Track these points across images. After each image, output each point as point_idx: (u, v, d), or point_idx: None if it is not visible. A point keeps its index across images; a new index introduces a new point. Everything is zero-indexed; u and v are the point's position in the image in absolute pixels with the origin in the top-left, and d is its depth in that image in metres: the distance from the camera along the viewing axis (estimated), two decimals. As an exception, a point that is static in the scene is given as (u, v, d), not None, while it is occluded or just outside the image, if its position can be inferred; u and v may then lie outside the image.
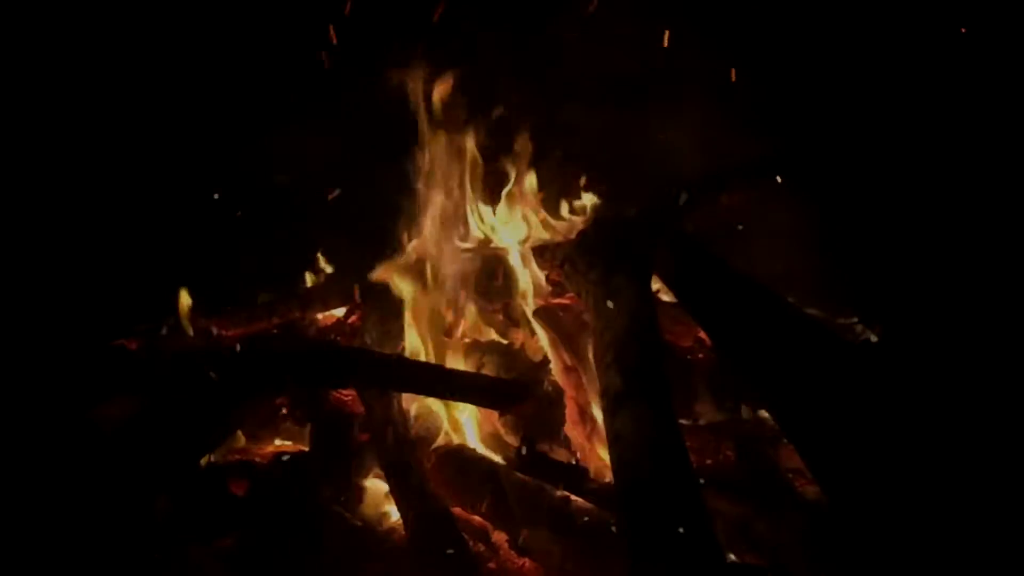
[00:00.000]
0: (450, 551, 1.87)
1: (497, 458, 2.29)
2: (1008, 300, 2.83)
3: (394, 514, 2.14)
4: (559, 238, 3.00)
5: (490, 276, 2.77)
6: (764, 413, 2.38)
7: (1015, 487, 1.33)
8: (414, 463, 2.18)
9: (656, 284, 2.52)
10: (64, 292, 3.24)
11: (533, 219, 3.10)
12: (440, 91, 2.84)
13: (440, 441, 2.34)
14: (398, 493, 2.10)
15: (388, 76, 2.86)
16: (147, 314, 2.93)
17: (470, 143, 2.93)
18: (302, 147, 3.84)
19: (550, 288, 2.79)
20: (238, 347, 2.83)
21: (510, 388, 2.31)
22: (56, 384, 2.45)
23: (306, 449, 2.44)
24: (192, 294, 2.90)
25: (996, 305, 2.85)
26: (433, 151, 2.88)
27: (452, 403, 2.39)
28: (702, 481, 1.62)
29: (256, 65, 3.86)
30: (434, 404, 2.44)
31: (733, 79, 3.34)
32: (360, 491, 2.26)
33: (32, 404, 2.42)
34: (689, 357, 2.62)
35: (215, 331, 2.93)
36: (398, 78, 2.84)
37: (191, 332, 2.89)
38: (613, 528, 1.83)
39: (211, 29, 3.76)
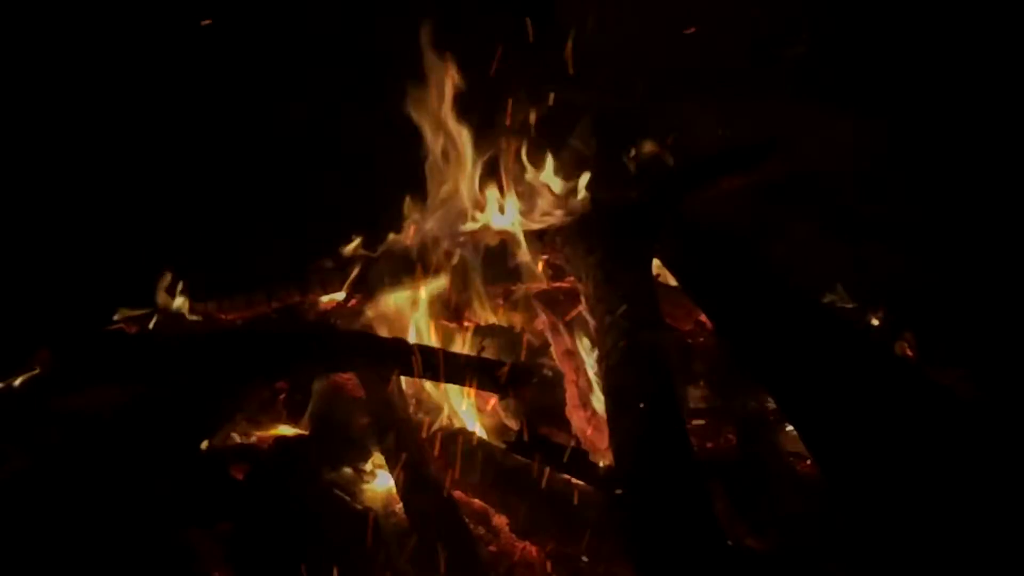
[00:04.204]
0: (451, 535, 1.87)
1: (497, 441, 2.29)
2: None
3: (394, 498, 2.14)
4: (560, 221, 2.98)
5: (491, 259, 2.76)
6: (765, 397, 2.38)
7: (1016, 476, 1.32)
8: (414, 447, 2.18)
9: (657, 267, 2.51)
10: (61, 276, 3.23)
11: (534, 202, 3.08)
12: (443, 74, 2.82)
13: (440, 424, 2.33)
14: (398, 477, 2.10)
15: (391, 57, 2.84)
16: (145, 298, 2.92)
17: (473, 126, 2.91)
18: (301, 128, 3.82)
19: (551, 271, 2.78)
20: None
21: (510, 371, 2.30)
22: (55, 370, 2.44)
23: (306, 433, 2.44)
24: (191, 277, 2.90)
25: (1001, 298, 2.84)
26: (436, 133, 2.86)
27: (452, 386, 2.39)
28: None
29: (254, 48, 3.83)
30: (434, 387, 2.44)
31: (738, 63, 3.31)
32: (360, 475, 2.26)
33: (31, 391, 2.41)
34: (690, 341, 2.62)
35: (214, 314, 2.93)
36: (402, 59, 2.82)
37: (190, 316, 2.89)
38: (613, 511, 1.83)
39: (210, 10, 3.73)
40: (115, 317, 2.85)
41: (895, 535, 1.35)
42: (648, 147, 3.23)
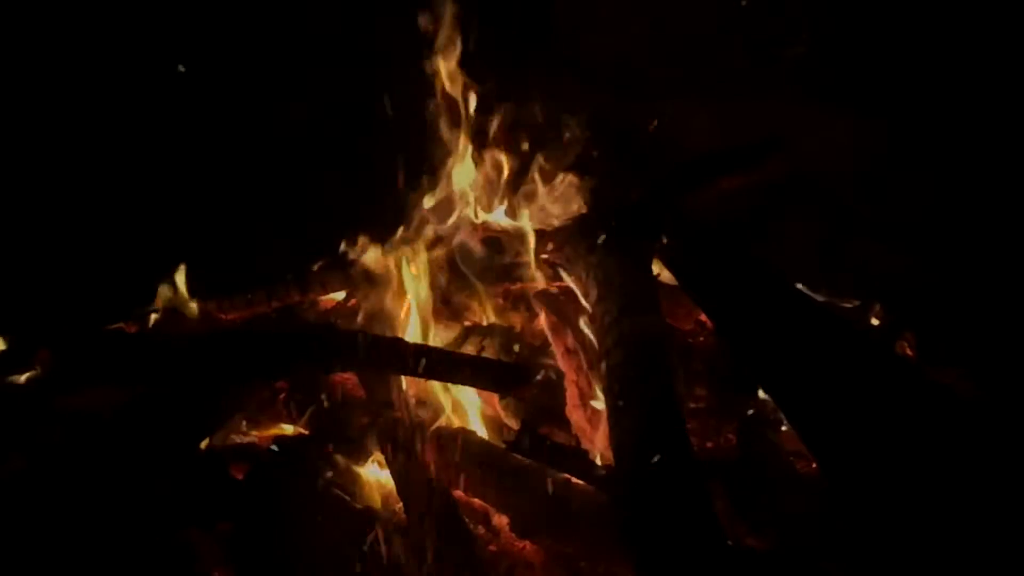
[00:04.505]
0: (451, 535, 1.87)
1: (498, 441, 2.29)
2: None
3: (395, 498, 2.14)
4: (560, 220, 2.98)
5: (491, 258, 2.76)
6: (765, 396, 2.38)
7: (1016, 476, 1.32)
8: (415, 446, 2.18)
9: (657, 267, 2.51)
10: (61, 276, 3.23)
11: (534, 201, 3.08)
12: (444, 70, 2.83)
13: (441, 424, 2.33)
14: (399, 476, 2.10)
15: (391, 54, 2.84)
16: (145, 297, 2.92)
17: (473, 123, 2.91)
18: (300, 125, 3.81)
19: (551, 271, 2.77)
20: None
21: (511, 371, 2.30)
22: (55, 370, 2.44)
23: (306, 433, 2.44)
24: (191, 276, 2.90)
25: (1001, 298, 2.84)
26: (435, 131, 2.87)
27: (453, 386, 2.39)
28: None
29: (255, 48, 3.83)
30: (435, 387, 2.44)
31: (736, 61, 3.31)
32: (361, 475, 2.26)
33: (32, 390, 2.41)
34: (690, 340, 2.62)
35: (214, 314, 2.93)
36: (402, 56, 2.82)
37: (191, 315, 2.89)
38: (613, 511, 1.83)
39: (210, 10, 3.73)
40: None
41: (895, 535, 1.35)
42: (647, 146, 3.23)
